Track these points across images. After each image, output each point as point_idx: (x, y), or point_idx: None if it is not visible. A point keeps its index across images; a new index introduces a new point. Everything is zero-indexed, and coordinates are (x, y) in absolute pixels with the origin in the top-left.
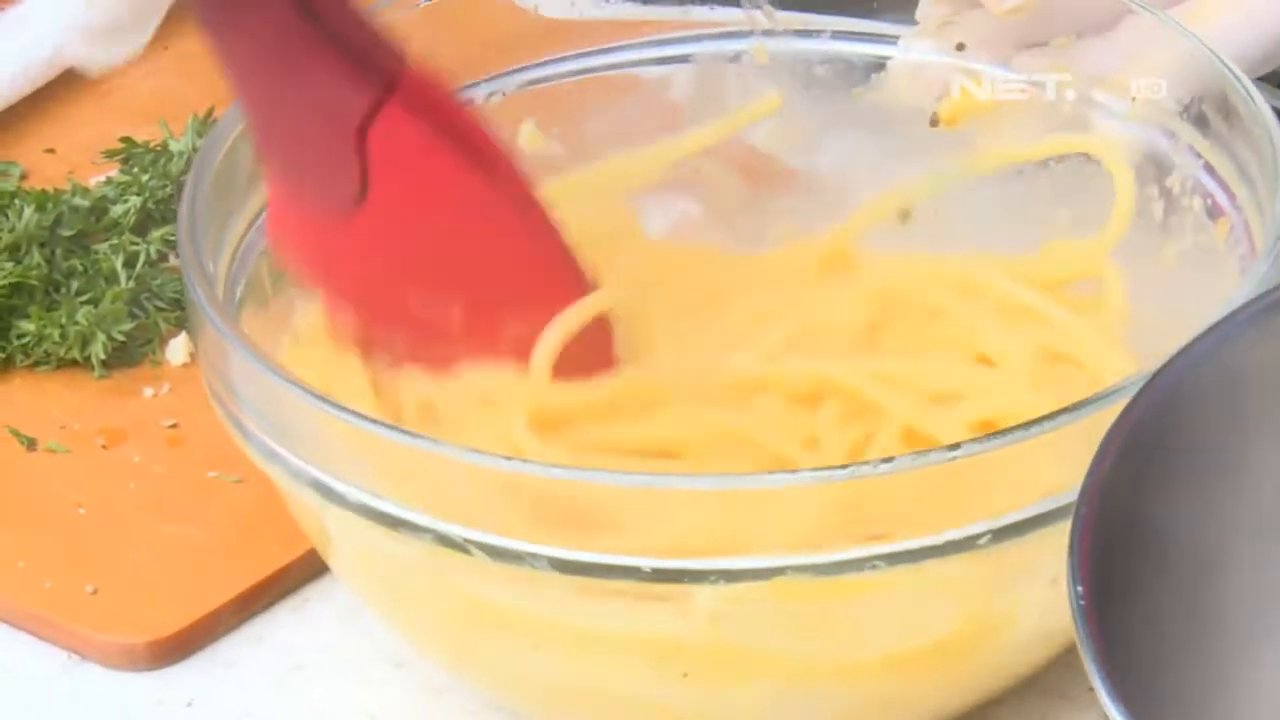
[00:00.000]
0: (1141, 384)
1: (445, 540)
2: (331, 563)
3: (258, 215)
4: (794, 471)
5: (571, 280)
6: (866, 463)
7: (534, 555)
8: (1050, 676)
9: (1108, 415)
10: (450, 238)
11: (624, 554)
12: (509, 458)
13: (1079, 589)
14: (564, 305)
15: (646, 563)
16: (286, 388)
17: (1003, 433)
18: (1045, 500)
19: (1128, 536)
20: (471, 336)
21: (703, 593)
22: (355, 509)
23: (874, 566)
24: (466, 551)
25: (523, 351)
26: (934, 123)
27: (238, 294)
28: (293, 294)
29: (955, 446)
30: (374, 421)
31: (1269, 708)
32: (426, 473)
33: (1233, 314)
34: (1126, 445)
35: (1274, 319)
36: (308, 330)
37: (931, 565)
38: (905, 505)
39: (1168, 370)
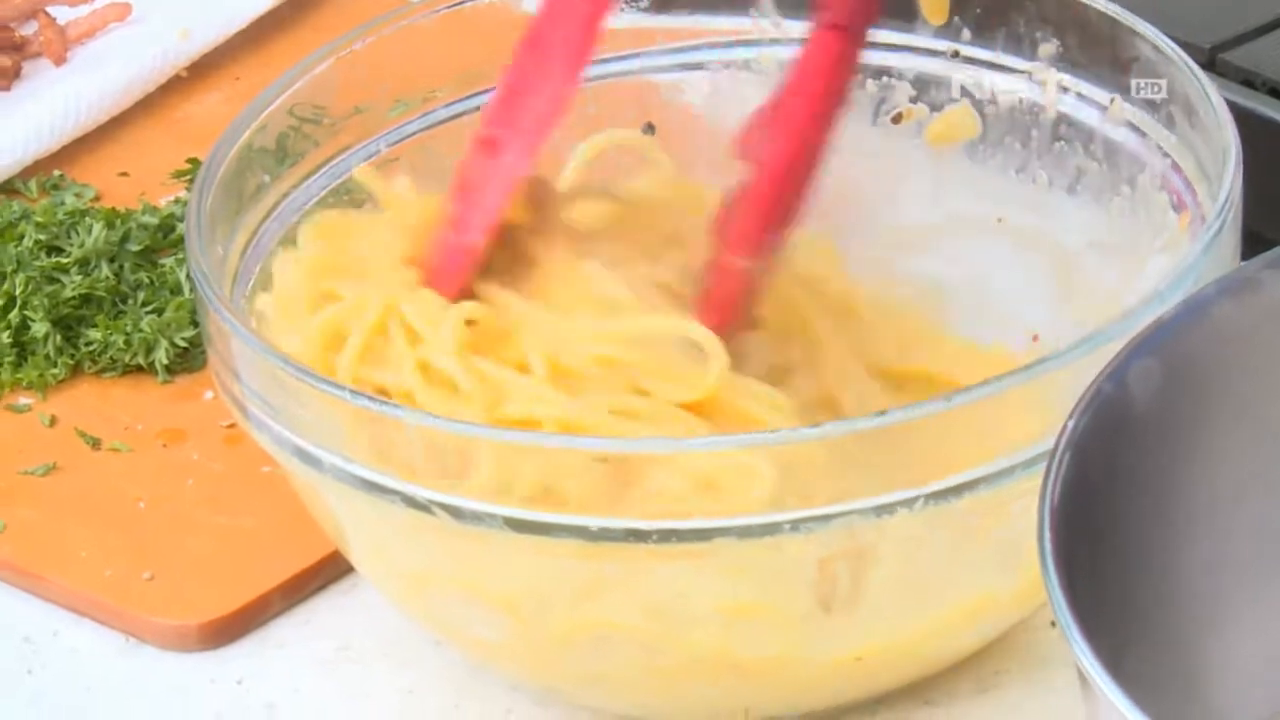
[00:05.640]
0: (1107, 347)
1: (411, 502)
2: (334, 538)
3: (276, 205)
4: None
5: None
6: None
7: (490, 515)
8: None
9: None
10: None
11: (573, 514)
12: (468, 423)
13: (1049, 536)
14: None
15: (594, 522)
16: (265, 356)
17: (981, 385)
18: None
19: (1096, 495)
20: None
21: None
22: (331, 474)
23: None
24: (430, 512)
25: None
26: (896, 120)
27: (252, 278)
28: None
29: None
30: (340, 388)
31: (1236, 675)
32: (391, 437)
33: (1198, 293)
34: (1098, 408)
35: (1240, 298)
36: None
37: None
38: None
39: (1140, 340)
